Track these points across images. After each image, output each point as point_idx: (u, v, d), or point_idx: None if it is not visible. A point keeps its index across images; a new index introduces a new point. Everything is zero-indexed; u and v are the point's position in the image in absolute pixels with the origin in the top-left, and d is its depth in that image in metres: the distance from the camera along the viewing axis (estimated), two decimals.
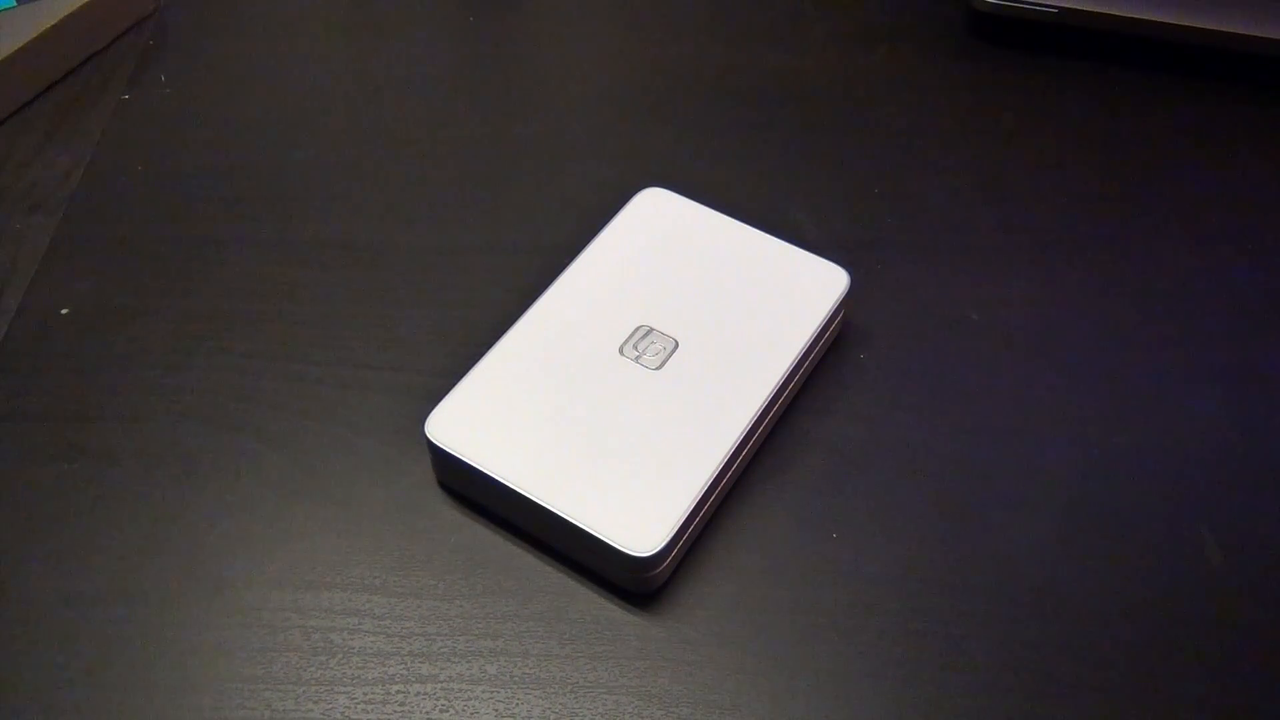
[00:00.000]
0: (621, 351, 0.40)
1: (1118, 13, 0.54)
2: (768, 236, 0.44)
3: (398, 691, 0.35)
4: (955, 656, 0.36)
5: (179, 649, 0.36)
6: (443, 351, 0.44)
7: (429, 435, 0.38)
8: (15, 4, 0.54)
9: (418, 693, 0.35)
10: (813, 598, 0.38)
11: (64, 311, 0.45)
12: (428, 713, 0.35)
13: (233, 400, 0.42)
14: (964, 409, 0.43)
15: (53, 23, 0.53)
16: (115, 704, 0.35)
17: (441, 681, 0.36)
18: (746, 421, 0.39)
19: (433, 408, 0.39)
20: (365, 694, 0.35)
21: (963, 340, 0.45)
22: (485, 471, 0.37)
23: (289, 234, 0.48)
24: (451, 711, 0.35)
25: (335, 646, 0.36)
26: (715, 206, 0.46)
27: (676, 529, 0.36)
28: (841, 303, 0.43)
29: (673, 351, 0.40)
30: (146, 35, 0.56)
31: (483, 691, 0.35)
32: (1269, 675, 0.36)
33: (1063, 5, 0.54)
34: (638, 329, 0.41)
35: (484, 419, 0.39)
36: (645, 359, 0.40)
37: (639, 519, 0.36)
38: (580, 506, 0.36)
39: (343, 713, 0.35)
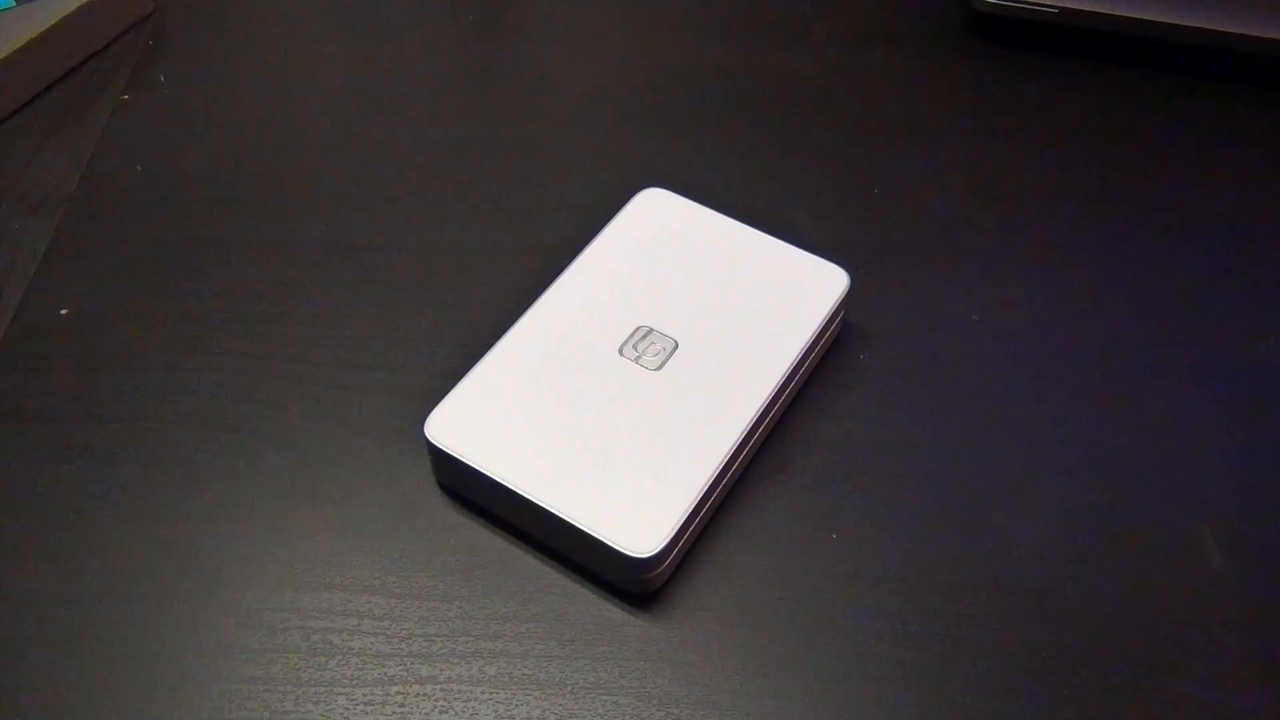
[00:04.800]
0: (621, 352, 0.40)
1: (1118, 13, 0.54)
2: (768, 236, 0.44)
3: (397, 693, 0.35)
4: (955, 656, 0.36)
5: (178, 650, 0.36)
6: (443, 351, 0.44)
7: (428, 436, 0.38)
8: (15, 4, 0.54)
9: (417, 694, 0.35)
10: (813, 598, 0.38)
11: (64, 311, 0.45)
12: (427, 714, 0.35)
13: (233, 400, 0.42)
14: (964, 409, 0.43)
15: (53, 23, 0.53)
16: (115, 704, 0.35)
17: (441, 683, 0.36)
18: (746, 422, 0.39)
19: (432, 408, 0.39)
20: (364, 695, 0.35)
21: (963, 340, 0.45)
22: (485, 472, 0.37)
23: (289, 234, 0.48)
24: (451, 713, 0.35)
25: (334, 648, 0.36)
26: (715, 206, 0.46)
27: (676, 530, 0.36)
28: (841, 303, 0.43)
29: (672, 352, 0.40)
30: (146, 35, 0.56)
31: (482, 693, 0.35)
32: (1269, 675, 0.36)
33: (1063, 5, 0.54)
34: (637, 329, 0.41)
35: (484, 419, 0.39)
36: (645, 359, 0.40)
37: (639, 520, 0.36)
38: (580, 507, 0.36)
39: (342, 714, 0.35)
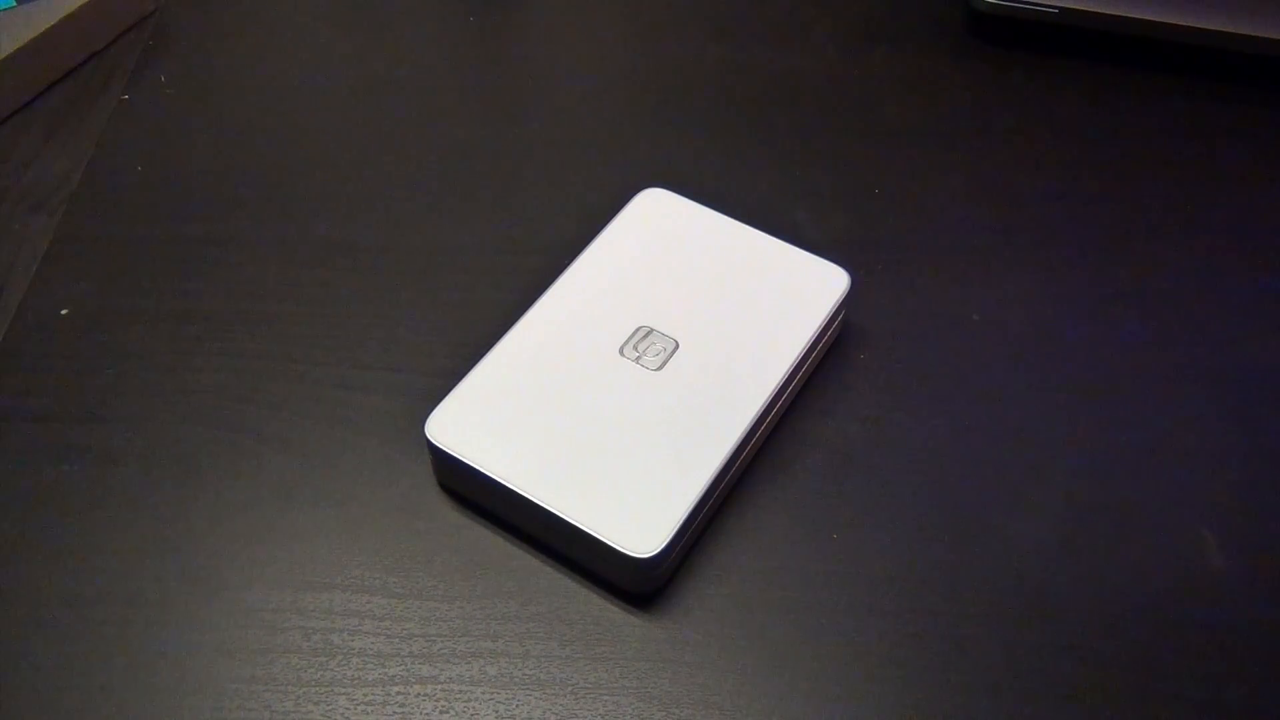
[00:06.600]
0: (622, 352, 0.40)
1: (1118, 13, 0.54)
2: (768, 236, 0.44)
3: (398, 693, 0.35)
4: (955, 656, 0.36)
5: (179, 650, 0.36)
6: (443, 351, 0.44)
7: (429, 436, 0.38)
8: (15, 4, 0.54)
9: (418, 694, 0.35)
10: (813, 598, 0.38)
11: (64, 312, 0.45)
12: (428, 714, 0.35)
13: (233, 400, 0.42)
14: (964, 409, 0.43)
15: (53, 23, 0.53)
16: (115, 704, 0.35)
17: (441, 683, 0.36)
18: (747, 422, 0.39)
19: (433, 408, 0.39)
20: (365, 695, 0.35)
21: (963, 340, 0.45)
22: (485, 472, 0.37)
23: (289, 234, 0.48)
24: (451, 713, 0.35)
25: (335, 648, 0.36)
26: (715, 206, 0.46)
27: (677, 530, 0.36)
28: (842, 303, 0.43)
29: (673, 352, 0.40)
30: (146, 35, 0.56)
31: (483, 693, 0.35)
32: (1269, 675, 0.36)
33: (1063, 5, 0.54)
34: (638, 330, 0.41)
35: (484, 419, 0.39)
36: (645, 360, 0.40)
37: (639, 520, 0.36)
38: (580, 507, 0.36)
39: (343, 714, 0.35)
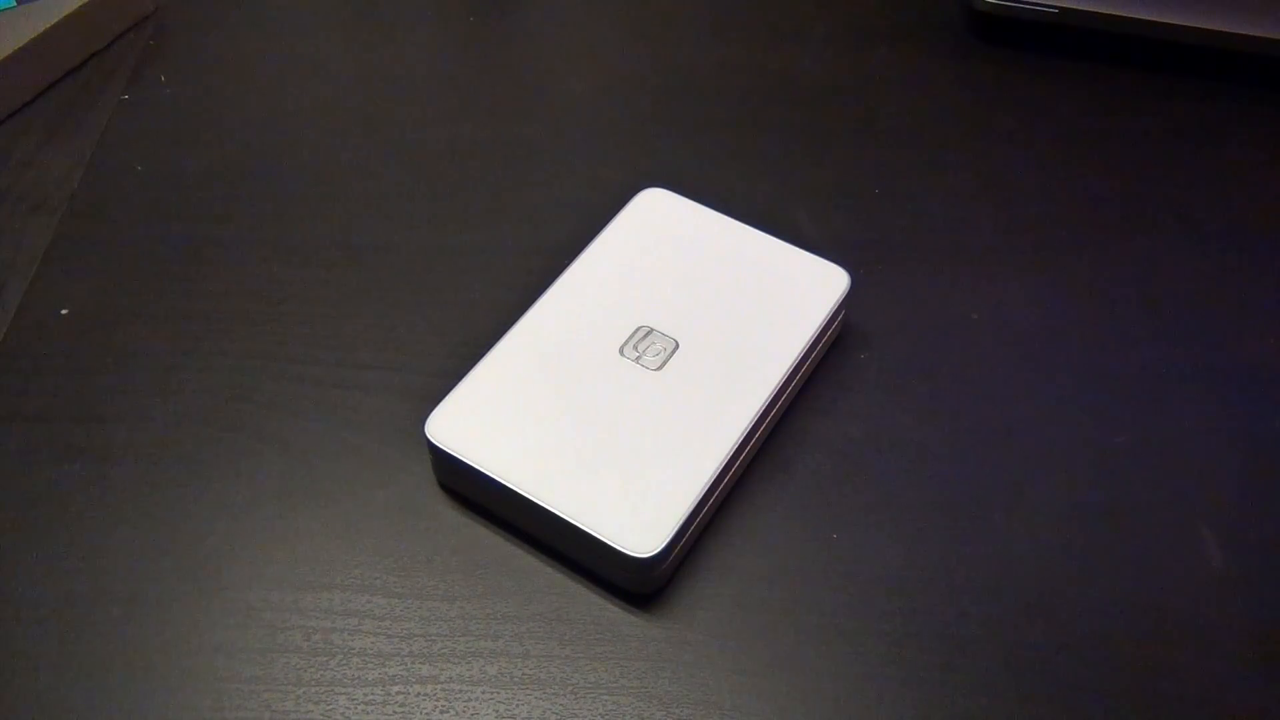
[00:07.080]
0: (622, 352, 0.40)
1: (1118, 13, 0.54)
2: (768, 237, 0.44)
3: (398, 692, 0.35)
4: (955, 656, 0.36)
5: (179, 649, 0.36)
6: (443, 351, 0.44)
7: (429, 435, 0.38)
8: (15, 4, 0.54)
9: (418, 694, 0.35)
10: (813, 598, 0.38)
11: (64, 311, 0.45)
12: (428, 713, 0.35)
13: (233, 400, 0.42)
14: (964, 409, 0.43)
15: (53, 23, 0.53)
16: (115, 704, 0.35)
17: (442, 682, 0.36)
18: (747, 422, 0.39)
19: (433, 408, 0.39)
20: (365, 695, 0.35)
21: (963, 340, 0.45)
22: (485, 472, 0.37)
23: (289, 234, 0.48)
24: (452, 712, 0.35)
25: (335, 647, 0.36)
26: (715, 206, 0.46)
27: (677, 530, 0.36)
28: (842, 303, 0.43)
29: (673, 352, 0.40)
30: (146, 35, 0.56)
31: (483, 692, 0.35)
32: (1269, 675, 0.36)
33: (1063, 5, 0.54)
34: (638, 329, 0.41)
35: (484, 419, 0.39)
36: (645, 360, 0.40)
37: (639, 520, 0.36)
38: (580, 507, 0.36)
39: (343, 714, 0.35)
